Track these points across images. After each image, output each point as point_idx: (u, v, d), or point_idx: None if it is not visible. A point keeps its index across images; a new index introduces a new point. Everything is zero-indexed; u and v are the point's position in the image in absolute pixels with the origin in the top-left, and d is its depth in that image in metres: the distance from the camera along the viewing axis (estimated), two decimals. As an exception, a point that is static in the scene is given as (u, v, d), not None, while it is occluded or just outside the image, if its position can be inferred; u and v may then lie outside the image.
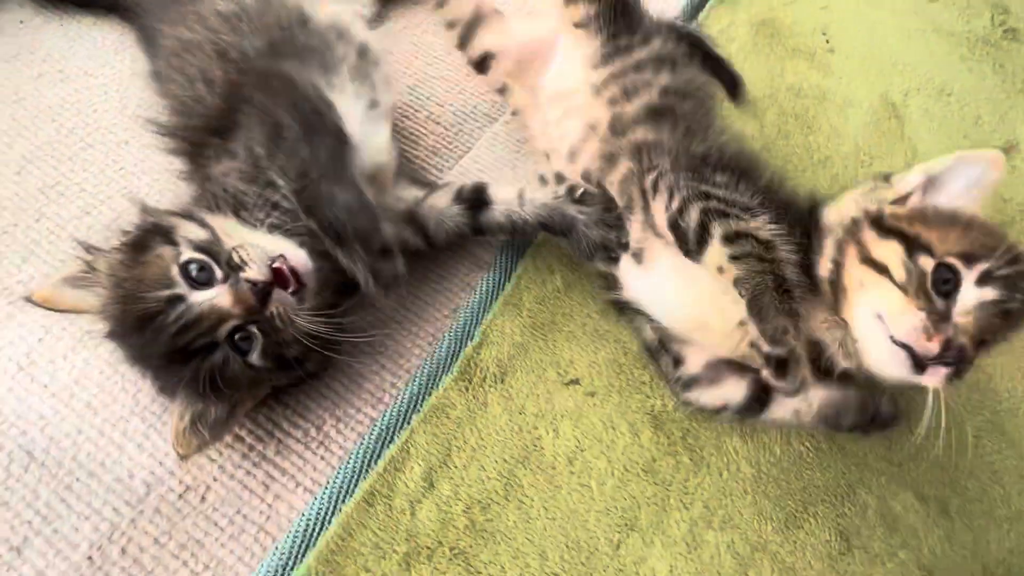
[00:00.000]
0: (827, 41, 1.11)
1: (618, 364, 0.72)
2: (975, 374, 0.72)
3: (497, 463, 0.64)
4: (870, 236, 0.56)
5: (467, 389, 0.68)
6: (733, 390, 0.66)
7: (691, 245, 0.59)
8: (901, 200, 0.59)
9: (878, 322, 0.53)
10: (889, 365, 0.53)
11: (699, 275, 0.60)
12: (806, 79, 1.04)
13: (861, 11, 1.18)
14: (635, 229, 0.67)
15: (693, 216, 0.59)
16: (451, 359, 0.69)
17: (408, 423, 0.65)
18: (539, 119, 0.78)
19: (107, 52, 0.86)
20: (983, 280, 0.51)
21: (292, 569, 0.56)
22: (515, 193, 0.70)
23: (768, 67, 1.04)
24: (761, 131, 0.96)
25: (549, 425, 0.67)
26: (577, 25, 0.76)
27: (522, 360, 0.70)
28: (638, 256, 0.66)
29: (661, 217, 0.62)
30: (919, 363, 0.51)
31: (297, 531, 0.58)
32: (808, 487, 0.67)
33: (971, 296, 0.51)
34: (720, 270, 0.57)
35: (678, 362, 0.68)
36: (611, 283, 0.70)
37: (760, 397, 0.65)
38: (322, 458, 0.63)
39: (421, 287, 0.75)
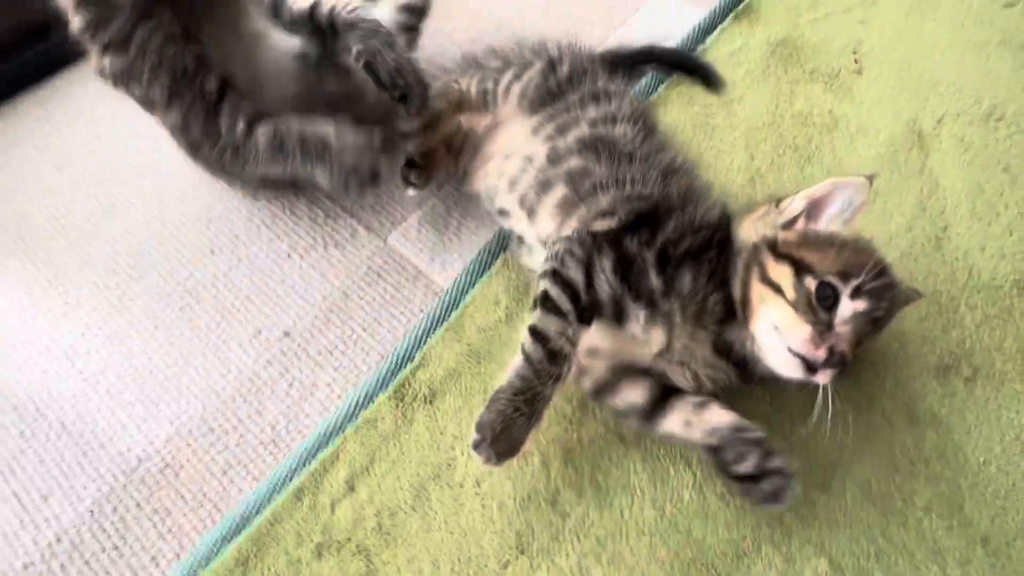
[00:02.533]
0: (855, 61, 1.03)
1: (543, 396, 0.76)
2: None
3: (411, 476, 0.72)
4: (768, 259, 0.65)
5: (398, 406, 0.76)
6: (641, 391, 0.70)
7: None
8: (790, 223, 0.67)
9: (776, 333, 0.63)
10: (787, 370, 0.63)
11: None
12: (817, 105, 0.98)
13: (909, 24, 1.07)
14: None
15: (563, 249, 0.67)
16: (390, 377, 0.77)
17: (343, 431, 0.74)
18: (480, 171, 0.83)
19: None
20: (855, 294, 0.62)
21: (227, 543, 0.68)
22: None
23: (775, 92, 1.00)
24: (751, 162, 0.93)
25: (465, 447, 0.73)
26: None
27: (453, 384, 0.77)
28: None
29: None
30: (811, 367, 0.61)
31: (237, 512, 0.70)
32: (709, 539, 0.67)
33: (847, 308, 0.62)
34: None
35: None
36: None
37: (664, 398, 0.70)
38: (271, 453, 0.75)
39: (380, 310, 0.84)
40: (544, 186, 0.75)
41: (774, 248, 0.65)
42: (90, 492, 0.73)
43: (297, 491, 0.71)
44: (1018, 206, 0.88)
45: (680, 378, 0.69)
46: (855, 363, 0.75)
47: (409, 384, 0.77)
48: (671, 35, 1.07)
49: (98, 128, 1.01)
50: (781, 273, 0.64)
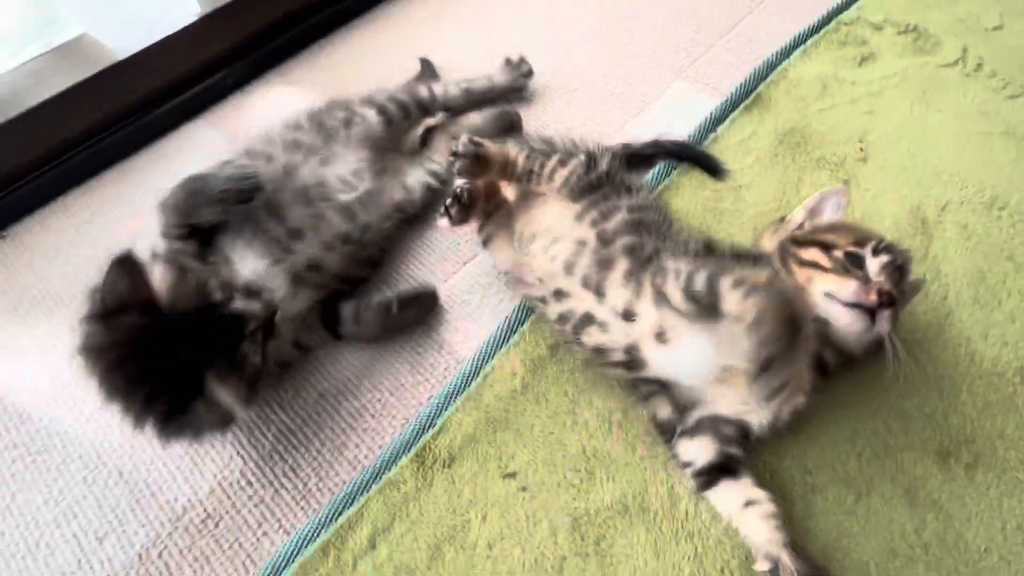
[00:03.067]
0: (861, 150, 1.09)
1: (553, 464, 0.81)
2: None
3: (428, 537, 0.77)
4: (796, 249, 0.81)
5: (419, 469, 0.82)
6: (702, 450, 0.77)
7: (707, 302, 0.69)
8: (799, 228, 0.85)
9: (831, 299, 0.75)
10: (852, 323, 0.74)
11: (718, 330, 0.71)
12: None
13: (914, 115, 1.13)
14: (650, 315, 0.75)
15: (700, 281, 0.70)
16: (413, 442, 0.84)
17: (368, 491, 0.81)
18: (525, 259, 0.89)
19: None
20: (876, 252, 0.77)
21: (259, 593, 0.75)
22: None
23: (783, 179, 1.06)
24: (755, 244, 0.99)
25: (480, 511, 0.79)
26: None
27: (470, 450, 0.83)
28: (661, 337, 0.75)
29: (675, 293, 0.72)
30: (870, 313, 0.73)
31: (269, 564, 0.76)
32: (708, 613, 0.70)
33: (875, 264, 0.77)
34: (737, 315, 0.66)
35: (682, 419, 0.79)
36: (634, 365, 0.77)
37: (722, 468, 0.76)
38: (302, 508, 0.82)
39: (407, 377, 0.92)
40: (605, 264, 0.79)
41: (796, 241, 0.82)
42: (140, 537, 0.81)
43: (323, 546, 0.77)
44: (1021, 294, 0.91)
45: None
46: (856, 442, 0.80)
47: (430, 449, 0.83)
48: (685, 124, 1.15)
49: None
50: (812, 254, 0.79)
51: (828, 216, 0.85)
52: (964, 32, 1.24)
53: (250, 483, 0.84)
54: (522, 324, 0.93)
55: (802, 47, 1.25)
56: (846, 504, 0.76)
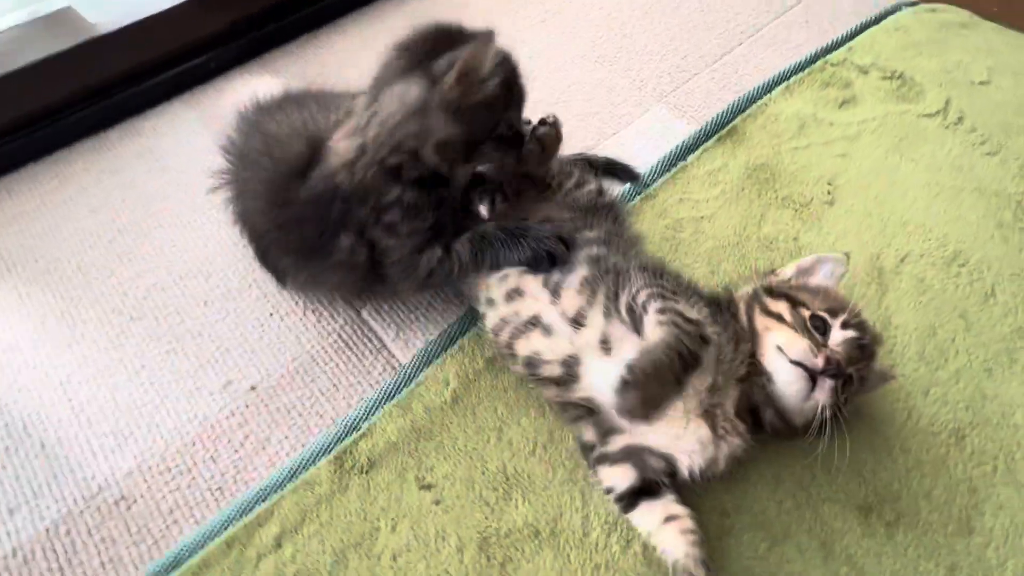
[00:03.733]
0: (829, 192, 1.08)
1: (472, 480, 0.81)
2: None
3: (335, 541, 0.77)
4: (766, 298, 0.79)
5: (336, 472, 0.81)
6: (622, 477, 0.76)
7: (637, 319, 0.73)
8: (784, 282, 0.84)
9: (780, 353, 0.73)
10: (792, 383, 0.72)
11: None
12: (784, 230, 1.03)
13: (887, 162, 1.12)
14: (597, 324, 0.76)
15: (641, 297, 0.74)
16: (334, 444, 0.83)
17: (282, 489, 0.80)
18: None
19: (201, 152, 1.18)
20: (844, 326, 0.75)
21: (158, 581, 0.74)
22: None
23: (745, 214, 1.05)
24: (710, 278, 0.98)
25: (390, 520, 0.78)
26: None
27: (391, 457, 0.82)
28: (605, 345, 0.75)
29: (623, 302, 0.75)
30: (812, 377, 0.71)
31: (173, 552, 0.76)
32: (602, 648, 0.69)
33: (839, 335, 0.75)
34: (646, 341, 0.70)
35: (604, 443, 0.78)
36: (567, 380, 0.77)
37: (642, 491, 0.76)
38: (216, 500, 0.81)
39: (341, 377, 0.91)
40: (567, 268, 0.81)
41: (770, 291, 0.80)
42: (51, 512, 0.81)
43: (229, 540, 0.77)
44: (969, 354, 0.90)
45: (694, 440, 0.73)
46: (778, 488, 0.79)
47: (351, 452, 0.83)
48: (657, 149, 1.15)
49: (135, 182, 1.14)
50: (779, 306, 0.77)
51: (819, 280, 0.83)
52: (950, 84, 1.23)
53: (169, 469, 0.84)
54: (463, 335, 0.92)
55: (785, 83, 1.24)
56: (759, 550, 0.75)
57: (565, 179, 0.96)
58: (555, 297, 0.79)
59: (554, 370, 0.77)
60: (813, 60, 1.28)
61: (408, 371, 0.89)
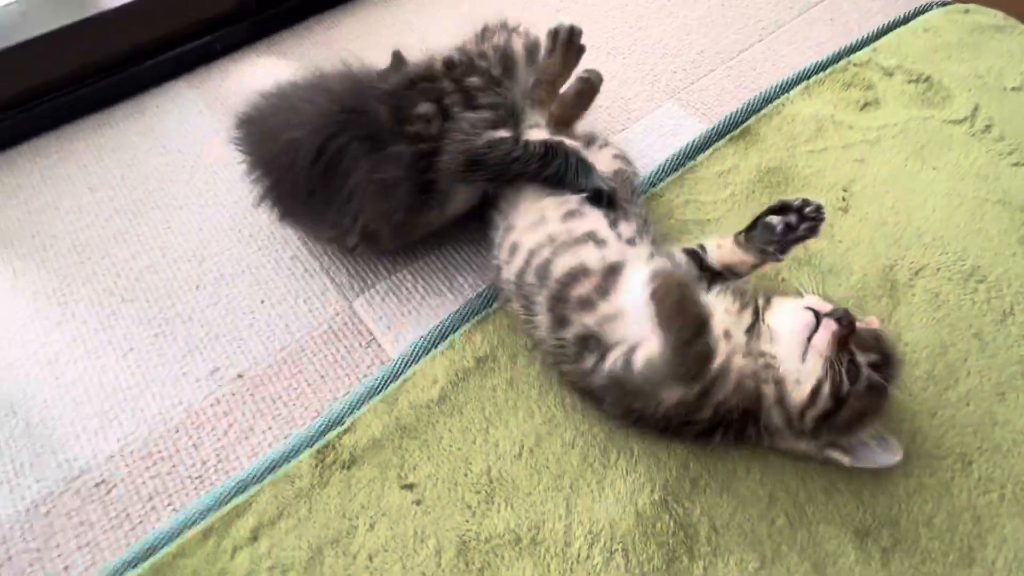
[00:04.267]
0: (843, 199, 1.04)
1: (455, 481, 0.79)
2: None
3: (312, 537, 0.75)
4: None
5: (317, 466, 0.80)
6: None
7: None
8: None
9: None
10: (797, 319, 0.73)
11: None
12: (794, 238, 0.99)
13: (907, 169, 1.07)
14: (648, 249, 0.84)
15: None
16: (317, 437, 0.82)
17: (262, 481, 0.79)
18: None
19: (203, 134, 1.16)
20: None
21: (132, 567, 0.73)
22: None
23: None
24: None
25: (369, 519, 0.76)
26: None
27: (373, 454, 0.81)
28: (651, 257, 0.82)
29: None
30: (816, 318, 0.72)
31: (149, 539, 0.75)
32: (577, 662, 0.67)
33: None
34: None
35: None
36: (604, 290, 0.77)
37: None
38: (195, 488, 0.80)
39: (328, 369, 0.89)
40: (629, 199, 0.92)
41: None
42: (31, 492, 0.80)
43: (206, 530, 0.75)
44: (981, 375, 0.86)
45: None
46: (773, 506, 0.75)
47: (333, 447, 0.81)
48: (666, 147, 1.11)
49: (135, 160, 1.13)
50: None
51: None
52: (980, 89, 1.18)
53: (151, 454, 0.83)
54: (455, 331, 0.90)
55: (805, 83, 1.19)
56: (747, 570, 0.72)
57: (592, 140, 1.01)
58: (613, 226, 0.84)
59: (589, 285, 0.77)
60: (836, 59, 1.22)
61: (397, 366, 0.87)
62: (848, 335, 0.71)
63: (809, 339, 0.72)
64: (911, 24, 1.29)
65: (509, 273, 0.85)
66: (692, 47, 1.30)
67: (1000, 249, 0.97)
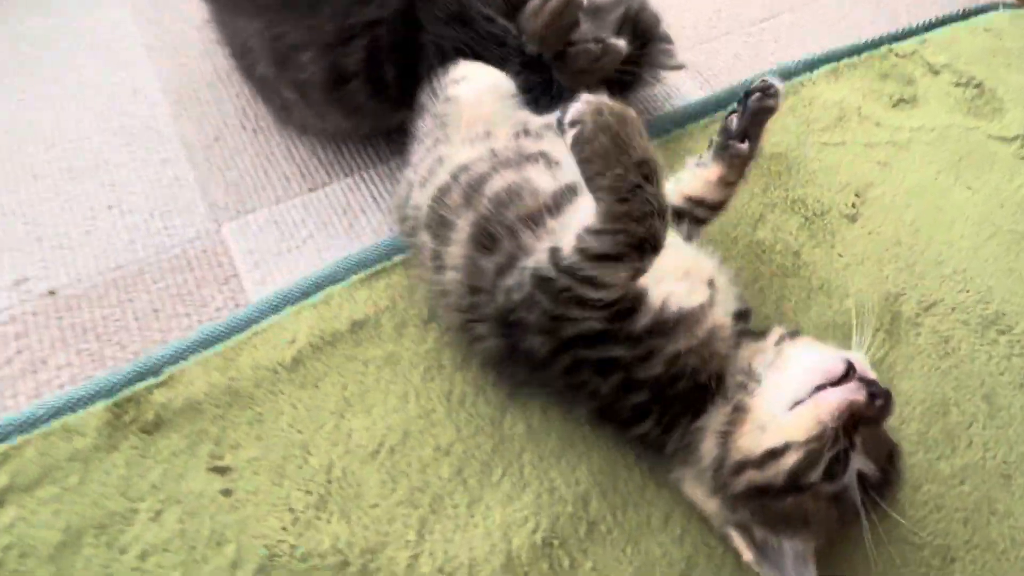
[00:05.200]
0: (854, 205, 0.84)
1: (282, 473, 0.60)
2: None
3: (74, 517, 0.56)
4: None
5: (110, 423, 0.60)
6: None
7: None
8: None
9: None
10: (821, 363, 0.54)
11: None
12: (785, 240, 0.80)
13: (937, 183, 0.88)
14: None
15: None
16: (121, 386, 0.62)
17: (31, 430, 0.60)
18: None
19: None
20: None
21: None
22: None
23: (742, 211, 0.81)
24: (673, 281, 0.75)
25: (156, 504, 0.57)
26: None
27: (186, 421, 0.61)
28: None
29: None
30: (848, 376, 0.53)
31: None
32: None
33: None
34: None
35: None
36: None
37: None
38: (-51, 425, 0.61)
39: (167, 302, 0.70)
40: None
41: None
42: None
43: (-61, 484, 0.57)
44: (985, 448, 0.67)
45: None
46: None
47: (138, 402, 0.62)
48: (655, 110, 0.91)
49: (9, 15, 0.93)
50: None
51: None
52: (1039, 106, 0.98)
53: (-93, 372, 0.64)
54: (337, 283, 0.71)
55: (834, 64, 0.98)
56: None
57: None
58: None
59: (535, 203, 0.57)
60: (876, 44, 1.02)
61: (249, 313, 0.68)
62: (869, 420, 0.52)
63: (818, 390, 0.53)
64: (971, 21, 1.09)
65: (423, 195, 0.63)
66: (712, 4, 1.09)
67: (1035, 296, 0.78)
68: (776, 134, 0.90)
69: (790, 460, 0.51)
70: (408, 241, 0.67)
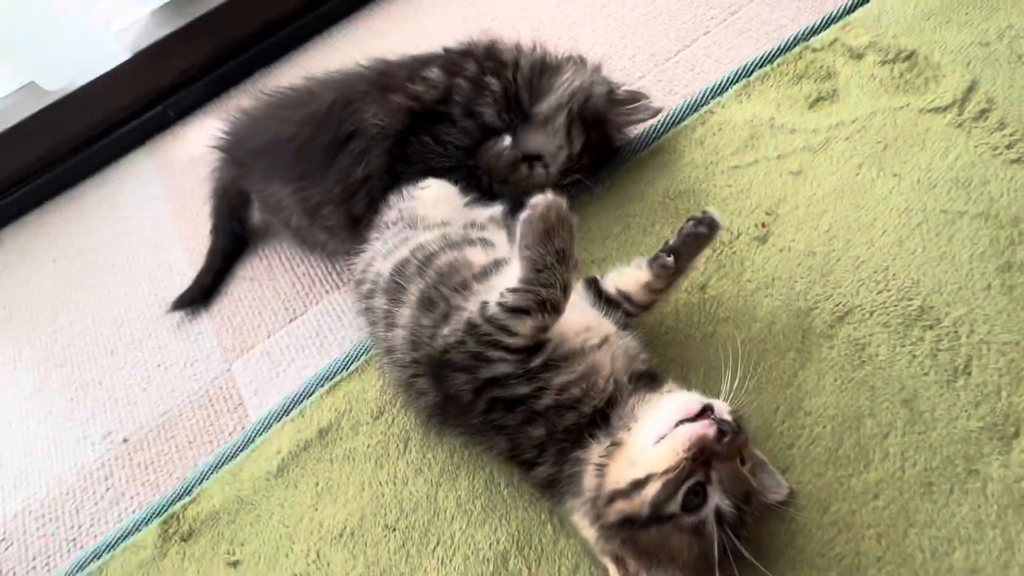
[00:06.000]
0: (763, 225, 0.86)
1: (276, 561, 0.77)
2: None
3: (141, 610, 0.78)
4: None
5: (160, 536, 0.82)
6: None
7: None
8: None
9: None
10: (681, 402, 0.62)
11: None
12: (692, 278, 0.84)
13: (858, 180, 0.87)
14: None
15: None
16: (167, 507, 0.84)
17: (113, 550, 0.83)
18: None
19: (150, 199, 1.26)
20: None
21: (1, 626, 0.81)
22: None
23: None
24: (584, 341, 0.82)
25: (193, 597, 0.77)
26: None
27: (209, 528, 0.81)
28: None
29: None
30: (704, 414, 0.60)
31: (19, 600, 0.82)
32: None
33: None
34: None
35: None
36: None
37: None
38: (69, 552, 0.86)
39: (199, 434, 0.92)
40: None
41: None
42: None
43: (58, 598, 0.81)
44: (903, 457, 0.66)
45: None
46: None
47: (178, 517, 0.83)
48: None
49: (92, 230, 1.26)
50: None
51: None
52: (983, 60, 0.91)
53: (44, 515, 0.90)
54: (309, 397, 0.88)
55: (744, 81, 1.00)
56: None
57: None
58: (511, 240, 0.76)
59: (468, 274, 0.72)
60: (788, 47, 1.01)
61: (247, 435, 0.87)
62: (720, 455, 0.57)
63: (679, 425, 0.60)
64: (901, -14, 1.03)
65: (386, 264, 0.78)
66: (623, 53, 1.15)
67: (968, 281, 0.74)
68: (683, 171, 0.94)
69: (652, 490, 0.57)
70: (364, 304, 0.82)
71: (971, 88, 0.89)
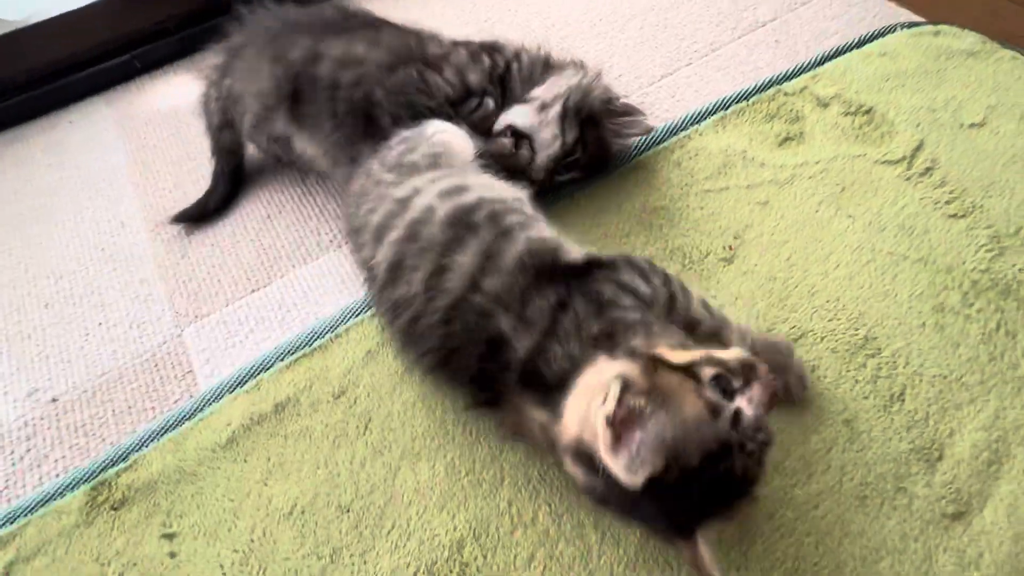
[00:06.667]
0: (731, 247, 0.91)
1: (216, 536, 0.73)
2: None
3: (58, 581, 0.72)
4: None
5: (88, 503, 0.76)
6: None
7: None
8: None
9: None
10: None
11: None
12: (660, 290, 0.87)
13: (817, 216, 0.93)
14: None
15: None
16: (98, 472, 0.79)
17: (32, 513, 0.77)
18: None
19: (105, 151, 1.18)
20: None
21: None
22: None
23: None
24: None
25: (119, 568, 0.72)
26: None
27: (144, 496, 0.76)
28: None
29: None
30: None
31: (-89, 564, 0.74)
32: None
33: None
34: None
35: None
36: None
37: None
38: (-24, 513, 0.79)
39: (140, 400, 0.87)
40: None
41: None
42: None
43: (-36, 560, 0.74)
44: (842, 471, 0.71)
45: None
46: None
47: (109, 484, 0.78)
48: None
49: (33, 176, 1.17)
50: None
51: None
52: (930, 125, 1.01)
53: (-51, 473, 0.83)
54: (266, 371, 0.85)
55: (721, 113, 1.06)
56: None
57: None
58: None
59: None
60: (764, 87, 1.09)
61: (195, 404, 0.83)
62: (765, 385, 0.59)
63: None
64: (865, 48, 1.13)
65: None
66: (612, 70, 1.19)
67: (907, 318, 0.81)
68: (660, 188, 0.98)
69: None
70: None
71: (919, 147, 0.98)
